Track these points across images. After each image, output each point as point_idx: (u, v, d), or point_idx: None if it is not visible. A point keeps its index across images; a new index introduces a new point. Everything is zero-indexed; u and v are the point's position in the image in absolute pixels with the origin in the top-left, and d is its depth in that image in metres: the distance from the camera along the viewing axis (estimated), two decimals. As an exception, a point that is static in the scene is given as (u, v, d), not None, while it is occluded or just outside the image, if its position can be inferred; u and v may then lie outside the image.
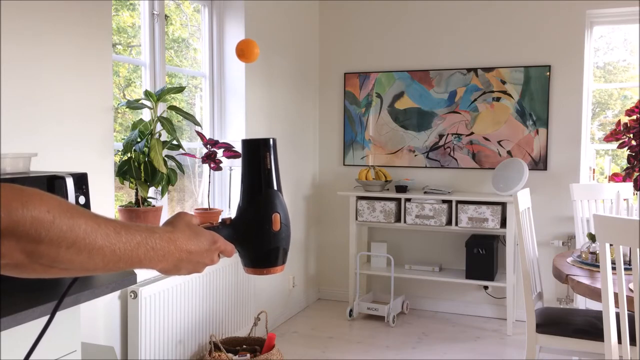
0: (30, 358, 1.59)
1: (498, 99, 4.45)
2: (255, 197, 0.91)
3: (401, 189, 4.44)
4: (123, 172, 2.72)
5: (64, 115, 2.49)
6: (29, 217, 0.57)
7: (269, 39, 4.16)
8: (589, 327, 2.71)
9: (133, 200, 2.81)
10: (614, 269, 2.14)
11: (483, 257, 4.21)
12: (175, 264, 0.77)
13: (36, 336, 1.57)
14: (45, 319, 1.62)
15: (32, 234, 0.57)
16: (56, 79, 2.45)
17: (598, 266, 2.59)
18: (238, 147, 3.41)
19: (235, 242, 0.90)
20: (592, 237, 2.76)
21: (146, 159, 2.75)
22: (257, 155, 0.92)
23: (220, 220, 0.91)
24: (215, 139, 3.58)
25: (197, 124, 3.00)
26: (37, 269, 0.61)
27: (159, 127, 2.86)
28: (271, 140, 0.93)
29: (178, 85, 3.22)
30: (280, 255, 0.92)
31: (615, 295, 2.13)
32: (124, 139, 2.87)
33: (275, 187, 0.92)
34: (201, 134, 3.16)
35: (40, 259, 0.59)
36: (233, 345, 3.33)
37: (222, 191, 3.87)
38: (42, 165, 2.36)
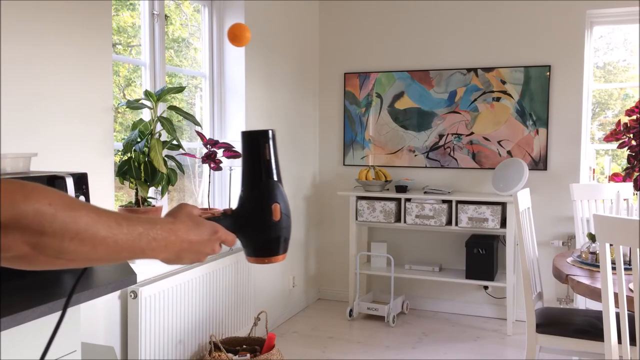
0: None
1: (498, 99, 4.45)
2: (255, 187, 0.92)
3: (401, 189, 4.44)
4: (123, 172, 2.72)
5: (64, 115, 2.49)
6: (31, 210, 0.59)
7: (269, 39, 4.16)
8: (589, 327, 2.71)
9: (133, 200, 2.81)
10: (614, 269, 2.14)
11: (483, 257, 4.21)
12: (177, 254, 0.80)
13: (50, 333, 1.57)
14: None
15: (35, 226, 0.59)
16: (56, 79, 2.45)
17: (598, 266, 2.59)
18: (238, 147, 3.41)
19: (237, 231, 0.91)
20: (592, 237, 2.76)
21: (146, 159, 2.75)
22: (256, 147, 0.93)
23: (222, 211, 0.92)
24: (215, 139, 3.58)
25: (197, 124, 3.00)
26: (43, 260, 0.63)
27: (159, 127, 2.86)
28: (270, 132, 0.93)
29: (178, 85, 3.22)
30: (282, 245, 0.93)
31: (615, 295, 2.13)
32: (124, 139, 2.87)
33: (275, 178, 0.93)
34: (201, 134, 3.16)
35: (45, 251, 0.62)
36: (233, 345, 3.33)
37: (222, 191, 3.87)
38: (42, 165, 2.36)
